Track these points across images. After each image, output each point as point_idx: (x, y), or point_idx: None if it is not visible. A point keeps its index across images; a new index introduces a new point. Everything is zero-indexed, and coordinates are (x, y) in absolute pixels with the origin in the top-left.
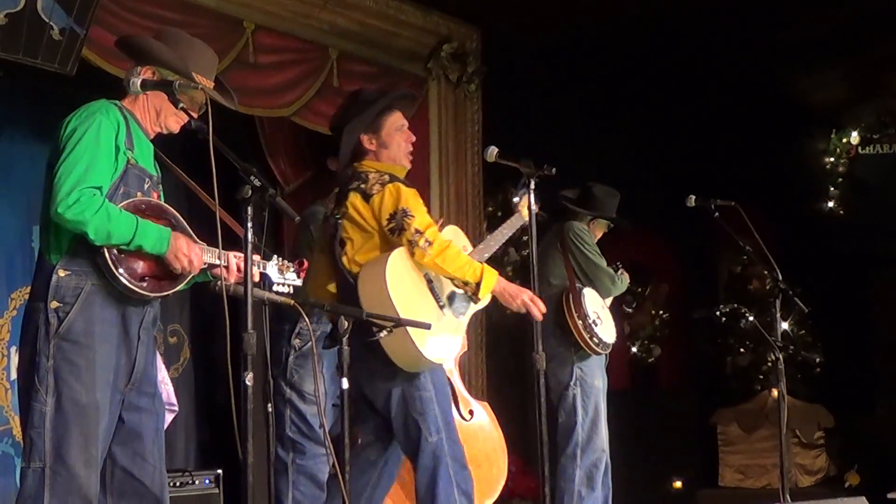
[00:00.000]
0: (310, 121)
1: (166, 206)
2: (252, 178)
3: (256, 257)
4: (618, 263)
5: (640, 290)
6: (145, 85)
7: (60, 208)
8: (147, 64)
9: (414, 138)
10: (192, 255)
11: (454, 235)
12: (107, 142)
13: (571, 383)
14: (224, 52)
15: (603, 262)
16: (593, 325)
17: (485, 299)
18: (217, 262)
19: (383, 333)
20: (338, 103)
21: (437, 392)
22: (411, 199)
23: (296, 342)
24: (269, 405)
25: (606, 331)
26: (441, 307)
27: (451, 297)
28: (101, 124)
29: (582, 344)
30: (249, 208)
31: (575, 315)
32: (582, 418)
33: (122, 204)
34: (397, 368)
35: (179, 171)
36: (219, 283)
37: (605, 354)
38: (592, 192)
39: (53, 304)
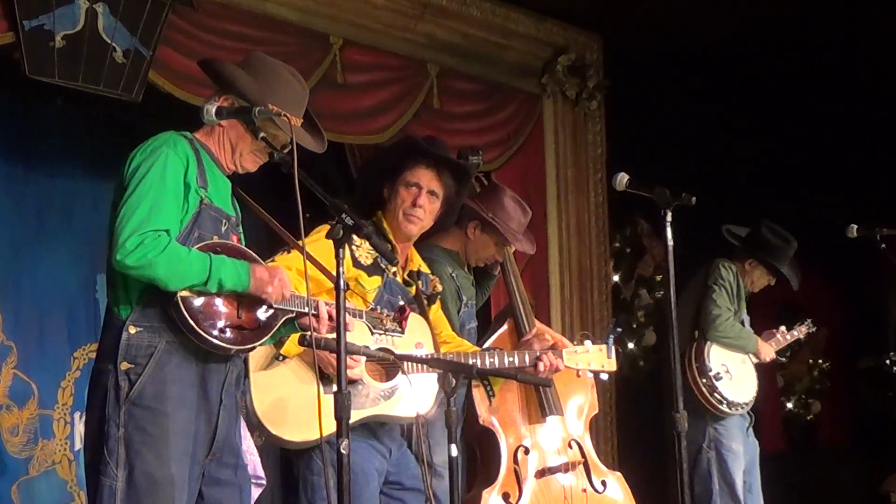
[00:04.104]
0: None
1: (246, 249)
2: (343, 215)
3: (350, 305)
4: (808, 321)
5: None
6: (220, 113)
7: (120, 255)
8: (226, 93)
9: (422, 199)
10: (283, 281)
11: (411, 326)
12: (174, 179)
13: (705, 445)
14: (308, 72)
15: (724, 303)
16: (714, 381)
17: None
18: (305, 310)
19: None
20: (439, 127)
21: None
22: (316, 241)
23: None
24: None
25: (736, 388)
26: (325, 387)
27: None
28: (167, 159)
29: (703, 401)
30: (342, 250)
31: (695, 369)
32: (719, 485)
33: (194, 247)
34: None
35: (261, 211)
36: (308, 335)
37: (746, 414)
38: (762, 233)
39: (124, 366)
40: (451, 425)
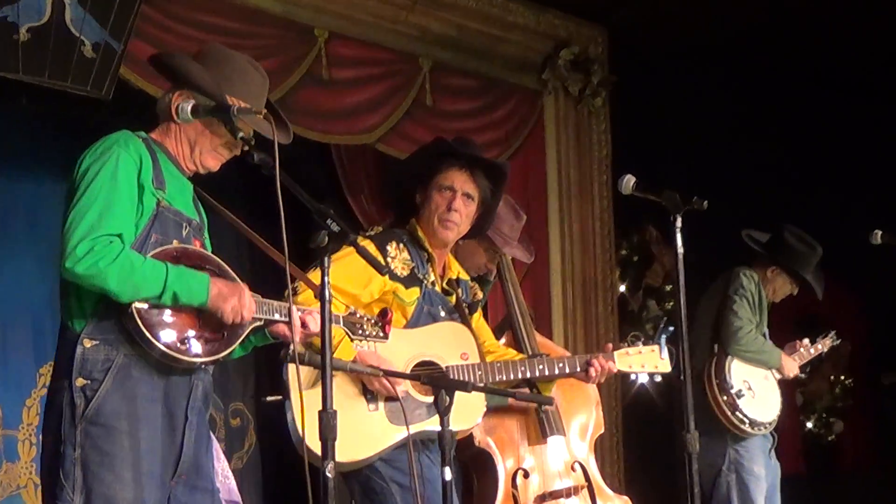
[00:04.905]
0: (398, 148)
1: (208, 254)
2: (329, 221)
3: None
4: (832, 333)
5: None
6: (197, 111)
7: (69, 262)
8: (181, 87)
9: (457, 203)
10: (242, 301)
11: (455, 336)
12: (126, 180)
13: (724, 468)
14: (291, 67)
15: (745, 314)
16: (736, 399)
17: None
18: (277, 317)
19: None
20: (432, 126)
21: (404, 492)
22: (350, 254)
23: None
24: (354, 503)
25: (760, 406)
26: (370, 404)
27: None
28: (118, 159)
29: (724, 421)
30: (327, 258)
31: (715, 386)
32: None
33: (152, 253)
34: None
35: (227, 213)
36: (290, 350)
37: (769, 435)
38: (784, 238)
39: (79, 382)
40: (445, 446)
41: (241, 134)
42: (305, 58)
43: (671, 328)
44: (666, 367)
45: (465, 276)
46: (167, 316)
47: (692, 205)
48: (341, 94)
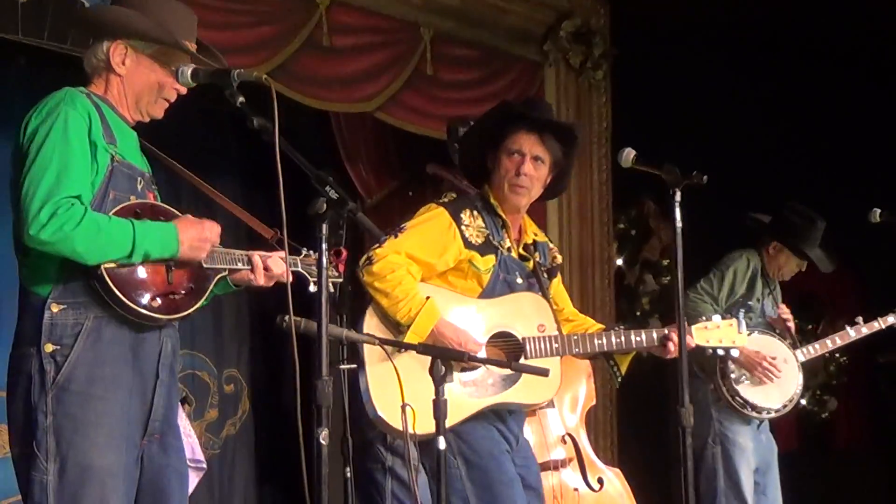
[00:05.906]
0: (397, 117)
1: (167, 207)
2: (327, 188)
3: (282, 253)
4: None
5: (810, 327)
6: (197, 76)
7: (33, 229)
8: (117, 38)
9: (526, 167)
10: (210, 233)
11: (532, 307)
12: (78, 138)
13: (710, 439)
14: (292, 34)
15: (706, 288)
16: (734, 384)
17: None
18: (240, 265)
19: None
20: (432, 95)
21: (469, 468)
22: (424, 222)
23: None
24: (348, 469)
25: (764, 392)
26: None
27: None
28: (67, 117)
29: (718, 394)
30: (325, 226)
31: (718, 369)
32: (725, 484)
33: (112, 211)
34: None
35: (173, 163)
36: (285, 318)
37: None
38: (783, 214)
39: (48, 348)
40: (440, 416)
41: (240, 99)
42: (306, 24)
43: (749, 302)
44: (744, 340)
45: (542, 239)
46: (137, 274)
47: (691, 179)
48: (341, 62)
